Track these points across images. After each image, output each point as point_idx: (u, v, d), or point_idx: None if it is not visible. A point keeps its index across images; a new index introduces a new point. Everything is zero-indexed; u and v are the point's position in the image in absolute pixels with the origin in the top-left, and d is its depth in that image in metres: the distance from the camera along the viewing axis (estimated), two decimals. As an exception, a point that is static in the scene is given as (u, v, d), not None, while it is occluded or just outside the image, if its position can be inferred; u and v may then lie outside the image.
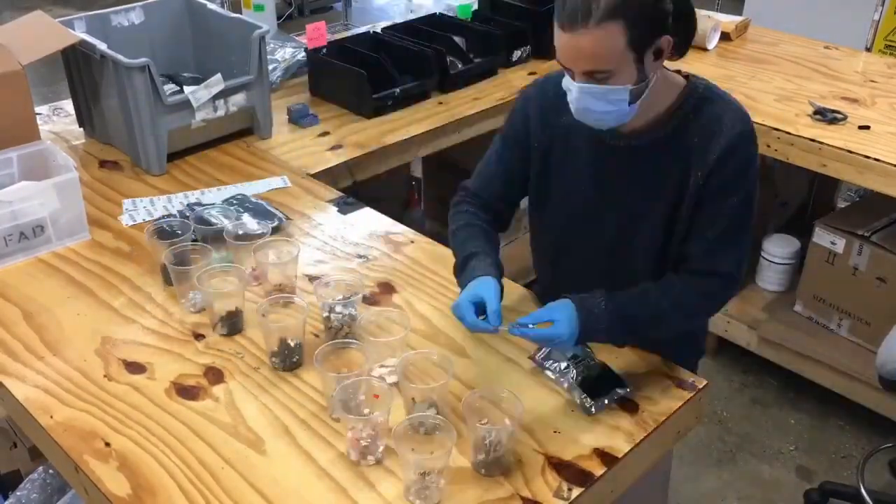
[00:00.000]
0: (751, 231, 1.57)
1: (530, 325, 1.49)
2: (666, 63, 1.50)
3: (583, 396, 1.51)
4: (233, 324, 1.68)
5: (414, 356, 1.53)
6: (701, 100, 1.53)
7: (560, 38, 1.40)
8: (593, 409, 1.50)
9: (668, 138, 1.53)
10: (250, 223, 1.91)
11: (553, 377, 1.56)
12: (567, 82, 1.46)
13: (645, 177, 1.57)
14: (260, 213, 2.00)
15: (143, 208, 2.09)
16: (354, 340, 1.57)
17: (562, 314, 1.49)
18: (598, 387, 1.52)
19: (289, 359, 1.59)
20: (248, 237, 1.83)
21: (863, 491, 2.46)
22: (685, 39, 1.50)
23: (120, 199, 2.14)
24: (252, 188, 2.17)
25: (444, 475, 1.33)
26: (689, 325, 1.70)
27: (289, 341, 1.58)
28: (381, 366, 1.55)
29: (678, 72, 1.58)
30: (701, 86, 1.55)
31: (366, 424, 1.38)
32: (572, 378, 1.53)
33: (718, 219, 1.53)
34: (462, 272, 1.60)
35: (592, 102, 1.44)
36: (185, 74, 2.48)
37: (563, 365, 1.55)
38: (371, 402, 1.43)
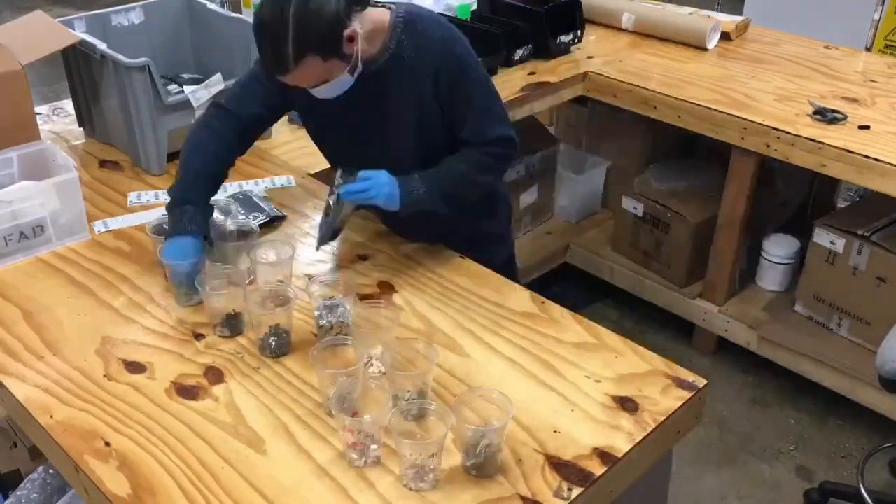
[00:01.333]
0: (497, 102, 1.86)
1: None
2: None
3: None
4: (233, 325, 1.68)
5: (399, 344, 1.55)
6: (406, 21, 1.77)
7: (277, 81, 1.66)
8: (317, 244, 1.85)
9: (392, 61, 1.76)
10: (240, 218, 1.97)
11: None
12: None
13: (385, 96, 1.80)
14: (252, 207, 2.03)
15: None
16: (348, 338, 1.57)
17: (377, 173, 1.75)
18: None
19: (279, 347, 1.60)
20: (242, 234, 1.86)
21: (863, 491, 2.46)
22: None
23: (120, 199, 2.14)
24: (257, 186, 2.18)
25: (440, 457, 1.34)
26: (487, 183, 1.92)
27: (279, 327, 1.60)
28: (375, 358, 1.55)
29: (377, 3, 1.79)
30: (401, 11, 1.79)
31: (360, 426, 1.38)
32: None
33: (464, 102, 1.79)
34: (176, 207, 1.79)
35: (326, 92, 1.70)
36: (184, 75, 2.48)
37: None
38: (364, 404, 1.44)
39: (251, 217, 1.99)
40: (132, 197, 2.14)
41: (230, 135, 1.87)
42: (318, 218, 2.07)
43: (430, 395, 1.50)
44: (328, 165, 2.34)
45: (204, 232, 1.78)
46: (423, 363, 1.51)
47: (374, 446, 1.39)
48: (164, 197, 1.94)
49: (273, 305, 1.64)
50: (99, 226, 2.02)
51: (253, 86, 1.87)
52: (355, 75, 1.70)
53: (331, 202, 1.80)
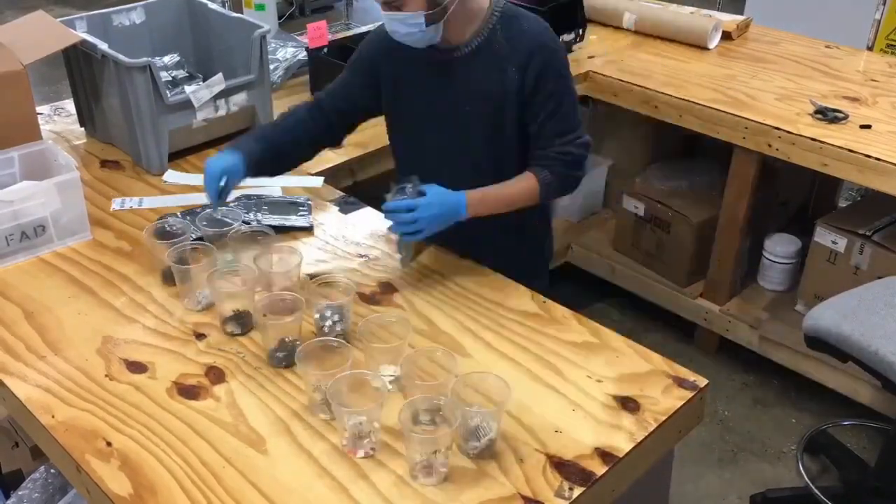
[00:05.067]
0: (577, 112, 1.85)
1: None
2: None
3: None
4: (243, 323, 1.68)
5: (417, 356, 1.54)
6: (504, 14, 1.81)
7: None
8: (403, 262, 1.86)
9: (482, 47, 1.80)
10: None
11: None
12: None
13: (470, 83, 1.83)
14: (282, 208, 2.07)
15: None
16: (341, 340, 1.56)
17: (432, 190, 1.73)
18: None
19: (287, 358, 1.59)
20: (253, 238, 1.83)
21: (811, 486, 2.52)
22: None
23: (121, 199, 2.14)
24: (287, 182, 2.19)
25: (448, 453, 1.35)
26: (569, 186, 1.89)
27: (286, 339, 1.59)
28: (380, 375, 1.54)
29: None
30: (501, 2, 1.83)
31: (355, 416, 1.39)
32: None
33: (544, 104, 1.79)
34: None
35: (395, 25, 1.74)
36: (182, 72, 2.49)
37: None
38: (358, 397, 1.44)
39: (298, 215, 2.04)
40: (115, 204, 2.13)
41: (312, 124, 1.93)
42: (319, 217, 2.07)
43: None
44: (330, 165, 2.36)
45: (248, 162, 1.81)
46: (440, 376, 1.51)
47: (371, 437, 1.40)
48: (148, 203, 1.94)
49: (282, 314, 1.62)
50: (117, 203, 2.09)
51: (343, 78, 1.95)
52: (436, 26, 1.72)
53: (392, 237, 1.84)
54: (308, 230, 2.01)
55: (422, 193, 1.72)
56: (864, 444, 2.76)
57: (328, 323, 1.64)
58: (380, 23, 1.90)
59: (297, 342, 1.59)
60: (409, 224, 1.71)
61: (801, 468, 2.63)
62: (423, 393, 1.45)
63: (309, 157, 2.00)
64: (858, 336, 2.11)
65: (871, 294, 2.27)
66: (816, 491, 2.51)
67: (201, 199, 2.02)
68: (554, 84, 1.80)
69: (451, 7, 1.72)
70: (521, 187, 1.82)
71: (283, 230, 1.98)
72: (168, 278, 1.80)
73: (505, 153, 1.87)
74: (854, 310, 2.20)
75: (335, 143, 2.04)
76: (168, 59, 2.50)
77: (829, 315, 2.20)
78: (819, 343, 2.22)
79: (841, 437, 2.74)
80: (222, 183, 1.78)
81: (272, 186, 2.16)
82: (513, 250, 2.00)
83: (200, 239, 1.81)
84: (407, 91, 1.89)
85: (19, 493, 1.98)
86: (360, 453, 1.41)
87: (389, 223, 1.76)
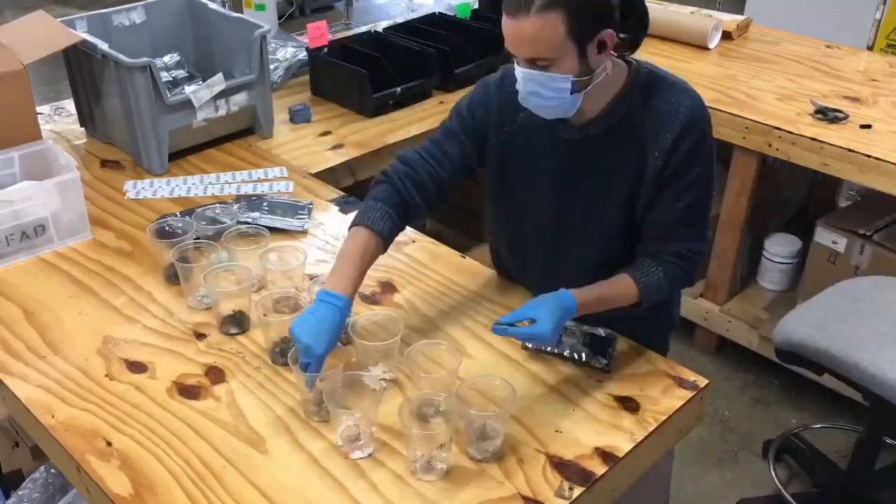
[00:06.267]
0: (711, 207, 1.63)
1: (514, 325, 1.50)
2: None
3: (597, 357, 1.59)
4: (240, 323, 1.68)
5: (419, 348, 1.55)
6: (647, 83, 1.57)
7: (505, 24, 1.45)
8: (608, 367, 1.58)
9: (621, 125, 1.57)
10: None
11: (555, 352, 1.61)
12: (515, 67, 1.51)
13: (602, 166, 1.60)
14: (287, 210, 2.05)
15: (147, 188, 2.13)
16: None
17: (542, 311, 1.48)
18: (597, 346, 1.60)
19: (286, 354, 1.59)
20: (252, 237, 1.84)
21: (783, 492, 2.51)
22: (635, 34, 1.56)
23: (122, 199, 2.14)
24: (257, 187, 2.18)
25: (449, 448, 1.35)
26: (657, 299, 1.65)
27: (287, 337, 1.58)
28: (373, 373, 1.54)
29: (620, 56, 1.59)
30: (643, 69, 1.60)
31: (350, 417, 1.39)
32: (578, 344, 1.61)
33: (679, 198, 1.57)
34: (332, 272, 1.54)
35: (534, 87, 1.48)
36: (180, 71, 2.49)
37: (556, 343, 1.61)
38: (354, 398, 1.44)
39: (297, 218, 2.02)
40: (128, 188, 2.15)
41: (405, 215, 1.62)
42: (319, 217, 2.07)
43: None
44: (330, 165, 2.36)
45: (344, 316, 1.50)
46: (448, 365, 1.51)
47: (367, 436, 1.41)
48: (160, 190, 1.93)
49: (285, 311, 1.63)
50: (129, 186, 2.15)
51: (447, 144, 1.68)
52: (580, 94, 1.49)
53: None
54: (302, 232, 2.00)
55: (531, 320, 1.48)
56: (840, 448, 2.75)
57: None
58: (495, 75, 1.70)
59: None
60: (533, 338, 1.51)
61: (773, 473, 2.60)
62: (427, 385, 1.45)
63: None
64: (836, 349, 2.05)
65: (835, 301, 2.23)
66: (788, 496, 2.50)
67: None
68: (699, 171, 1.56)
69: (599, 77, 1.49)
70: (623, 288, 1.58)
71: (276, 230, 1.97)
72: (171, 278, 1.80)
73: (629, 242, 1.65)
74: (823, 321, 2.15)
75: (430, 209, 1.69)
76: (168, 58, 2.50)
77: (801, 328, 2.15)
78: (792, 357, 2.17)
79: (817, 441, 2.72)
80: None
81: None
82: (639, 316, 1.66)
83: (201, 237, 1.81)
84: (519, 164, 1.67)
85: (20, 492, 1.98)
86: (356, 454, 1.40)
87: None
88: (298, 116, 2.56)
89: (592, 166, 1.61)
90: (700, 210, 1.61)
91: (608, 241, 1.66)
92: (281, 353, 1.59)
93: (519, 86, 1.50)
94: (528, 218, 1.73)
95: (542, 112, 1.54)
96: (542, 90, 1.48)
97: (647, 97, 1.56)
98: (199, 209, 1.93)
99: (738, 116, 2.70)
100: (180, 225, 1.85)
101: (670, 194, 1.57)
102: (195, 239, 1.79)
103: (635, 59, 1.61)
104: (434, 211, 1.74)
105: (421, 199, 1.63)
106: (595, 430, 1.47)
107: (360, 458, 1.40)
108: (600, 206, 1.63)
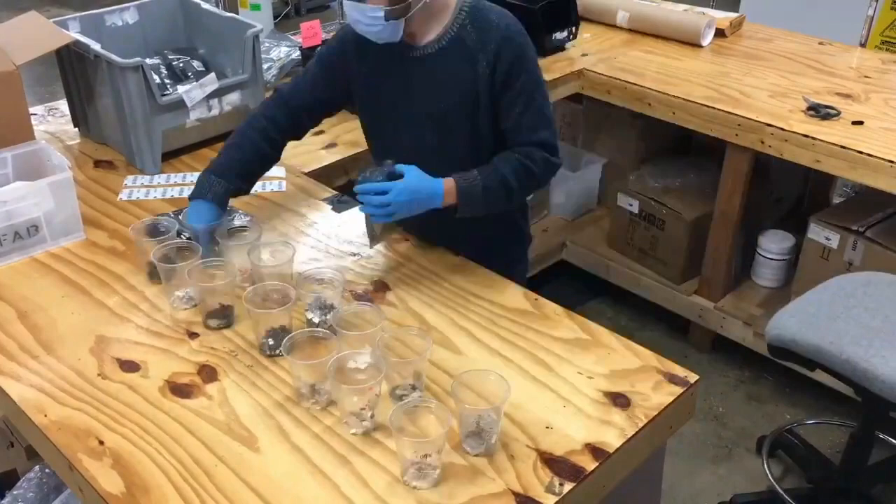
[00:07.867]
0: (549, 105, 1.84)
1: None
2: None
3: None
4: (225, 317, 1.69)
5: (395, 331, 1.59)
6: (472, 9, 1.80)
7: None
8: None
9: (452, 43, 1.79)
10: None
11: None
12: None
13: (442, 79, 1.81)
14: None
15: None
16: (326, 331, 1.56)
17: (412, 175, 1.71)
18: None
19: (277, 346, 1.60)
20: (241, 233, 1.85)
21: (777, 488, 2.52)
22: None
23: (115, 199, 2.14)
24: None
25: (440, 454, 1.35)
26: (525, 191, 1.90)
27: (276, 328, 1.61)
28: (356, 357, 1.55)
29: None
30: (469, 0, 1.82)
31: (358, 393, 1.42)
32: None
33: (516, 99, 1.79)
34: (205, 174, 1.88)
35: (357, 16, 1.71)
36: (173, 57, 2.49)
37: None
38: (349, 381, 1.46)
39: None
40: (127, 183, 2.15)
41: (277, 125, 1.93)
42: (312, 216, 2.08)
43: (425, 387, 1.52)
44: (323, 164, 2.37)
45: (218, 203, 1.85)
46: (418, 347, 1.54)
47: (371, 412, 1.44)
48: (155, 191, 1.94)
49: (274, 305, 1.63)
50: (128, 181, 2.18)
51: (311, 73, 1.94)
52: (397, 22, 1.69)
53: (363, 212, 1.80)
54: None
55: (398, 175, 1.71)
56: (834, 443, 2.76)
57: (318, 317, 1.65)
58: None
59: (288, 331, 1.60)
60: (380, 207, 1.71)
61: (767, 469, 2.61)
62: (397, 370, 1.49)
63: (277, 160, 2.00)
64: (827, 344, 2.06)
65: (827, 297, 2.24)
66: (782, 492, 2.50)
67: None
68: (522, 80, 1.78)
69: (416, 6, 1.70)
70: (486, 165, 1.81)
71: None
72: (154, 276, 1.80)
73: (483, 153, 1.84)
74: (814, 316, 2.16)
75: (299, 138, 2.04)
76: (161, 58, 2.50)
77: (793, 323, 2.16)
78: (785, 353, 2.18)
79: (811, 436, 2.73)
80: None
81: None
82: (491, 238, 1.98)
83: (189, 237, 1.82)
84: (381, 89, 1.87)
85: (14, 492, 1.98)
86: (359, 430, 1.44)
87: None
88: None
89: (434, 82, 1.82)
90: (542, 107, 1.82)
91: (464, 156, 1.84)
92: (272, 344, 1.60)
93: (347, 15, 1.74)
94: (393, 140, 1.91)
95: (370, 38, 1.75)
96: (362, 18, 1.70)
97: (473, 18, 1.79)
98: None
99: (731, 114, 2.71)
100: (168, 224, 1.85)
101: (507, 102, 1.79)
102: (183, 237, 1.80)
103: None
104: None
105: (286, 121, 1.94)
106: (585, 426, 1.47)
107: (360, 459, 1.41)
108: (448, 123, 1.83)
